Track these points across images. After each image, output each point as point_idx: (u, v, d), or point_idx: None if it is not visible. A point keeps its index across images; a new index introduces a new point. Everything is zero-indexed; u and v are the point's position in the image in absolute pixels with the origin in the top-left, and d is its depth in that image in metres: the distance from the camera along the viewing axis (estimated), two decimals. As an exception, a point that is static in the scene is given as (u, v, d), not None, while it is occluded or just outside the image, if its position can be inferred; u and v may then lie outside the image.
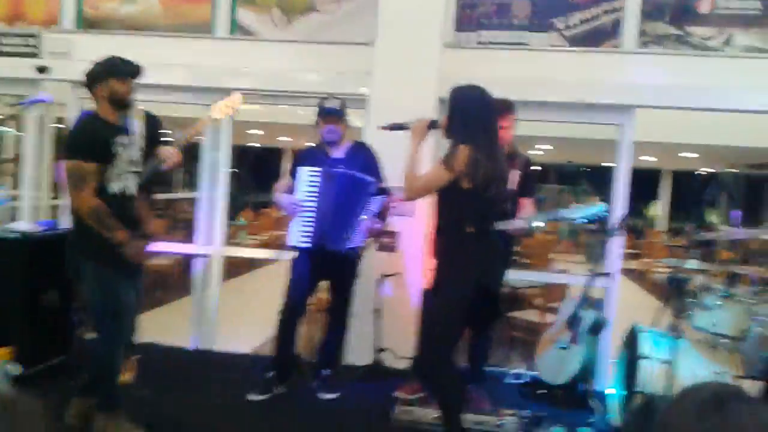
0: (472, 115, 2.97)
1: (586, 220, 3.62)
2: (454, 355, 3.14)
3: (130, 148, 3.09)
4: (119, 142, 3.03)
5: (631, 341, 3.71)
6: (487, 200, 2.97)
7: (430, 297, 3.23)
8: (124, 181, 3.05)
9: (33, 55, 4.98)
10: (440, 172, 2.93)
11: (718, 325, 3.59)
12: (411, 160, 3.03)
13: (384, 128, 3.33)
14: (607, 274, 4.23)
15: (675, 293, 3.53)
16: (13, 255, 3.77)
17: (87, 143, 2.99)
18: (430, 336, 3.04)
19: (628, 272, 11.73)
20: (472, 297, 2.97)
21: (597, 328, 3.85)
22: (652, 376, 3.38)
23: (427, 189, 3.02)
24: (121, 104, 3.08)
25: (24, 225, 4.15)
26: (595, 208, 3.62)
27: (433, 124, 3.10)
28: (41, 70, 4.87)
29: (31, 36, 5.02)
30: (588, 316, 3.84)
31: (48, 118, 5.16)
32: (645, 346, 3.49)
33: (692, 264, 4.23)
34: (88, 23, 5.06)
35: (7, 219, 4.40)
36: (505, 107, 3.61)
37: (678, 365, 3.30)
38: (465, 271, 2.98)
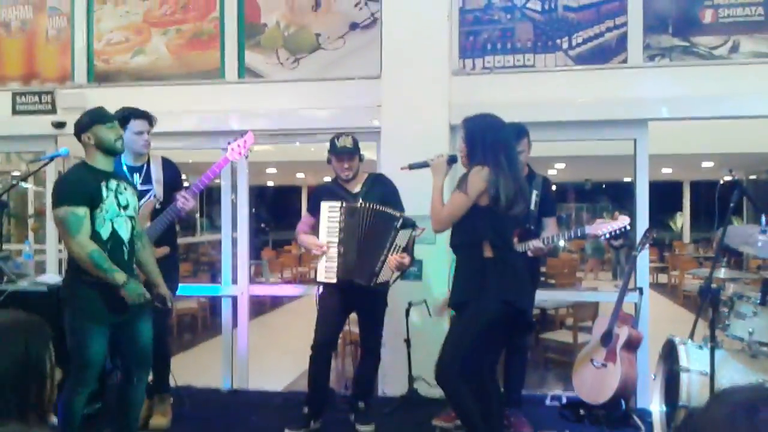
0: (489, 140, 3.05)
1: (610, 236, 3.60)
2: (480, 374, 3.11)
3: (123, 193, 3.13)
4: (108, 187, 3.07)
5: (668, 355, 3.62)
6: (508, 218, 3.04)
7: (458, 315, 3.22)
8: (115, 225, 3.07)
9: (49, 112, 5.09)
10: (460, 198, 3.02)
11: (756, 333, 3.49)
12: (435, 195, 3.12)
13: (405, 169, 3.45)
14: (637, 289, 4.16)
15: (708, 304, 3.45)
16: (40, 307, 3.77)
17: (72, 189, 3.03)
18: (452, 349, 3.04)
19: (657, 286, 11.58)
20: (500, 315, 2.98)
21: (633, 343, 3.77)
22: (693, 390, 3.29)
23: (453, 218, 3.07)
24: (109, 152, 3.12)
25: (50, 278, 4.18)
26: (620, 222, 3.59)
27: (452, 159, 3.21)
28: (58, 125, 4.97)
29: (47, 93, 5.13)
30: (622, 333, 3.76)
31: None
32: (683, 359, 3.40)
33: (723, 273, 4.14)
34: (100, 77, 5.17)
35: (35, 273, 4.44)
36: (517, 132, 3.63)
37: (718, 376, 3.21)
38: (487, 290, 2.98)
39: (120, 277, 3.00)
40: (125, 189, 3.17)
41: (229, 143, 3.74)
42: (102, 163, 3.12)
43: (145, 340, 3.25)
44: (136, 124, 3.65)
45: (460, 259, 3.17)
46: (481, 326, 3.00)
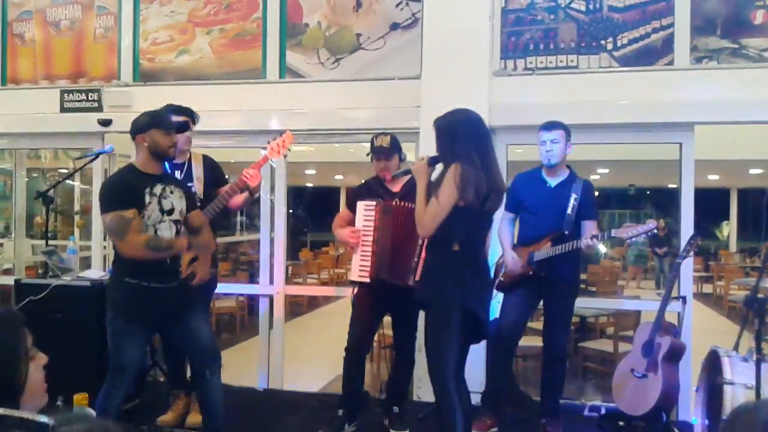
0: (459, 136, 2.98)
1: (635, 239, 3.62)
2: (457, 374, 3.05)
3: (168, 197, 3.13)
4: (152, 192, 3.07)
5: (711, 366, 3.51)
6: (483, 216, 3.02)
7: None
8: (159, 230, 3.09)
9: (96, 110, 5.21)
10: (434, 204, 2.94)
11: (805, 347, 3.36)
12: (419, 198, 3.03)
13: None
14: (680, 298, 4.05)
15: (754, 315, 3.34)
16: (84, 302, 3.90)
17: (117, 194, 3.05)
18: (435, 359, 3.02)
19: (701, 296, 11.28)
20: (457, 320, 2.94)
21: (675, 354, 3.67)
22: (737, 403, 3.17)
23: (436, 221, 2.95)
24: (161, 156, 3.15)
25: (94, 273, 4.27)
26: (646, 226, 3.56)
27: (434, 161, 3.10)
28: (104, 123, 5.08)
29: (94, 91, 5.25)
30: (664, 343, 3.67)
31: (112, 169, 5.36)
32: (727, 371, 3.30)
33: (770, 283, 4.01)
34: (145, 76, 5.27)
35: (79, 268, 4.55)
36: (550, 125, 3.71)
37: (764, 390, 3.10)
38: (449, 291, 2.95)
39: (181, 243, 3.09)
40: (171, 192, 3.16)
41: (268, 142, 3.76)
42: (151, 166, 3.14)
43: (205, 333, 3.26)
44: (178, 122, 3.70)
45: (429, 256, 3.14)
46: (450, 329, 2.95)
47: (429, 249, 3.15)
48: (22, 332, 1.53)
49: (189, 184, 3.78)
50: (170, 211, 3.14)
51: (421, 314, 3.32)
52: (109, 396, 3.14)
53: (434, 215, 2.94)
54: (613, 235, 3.67)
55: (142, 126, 3.12)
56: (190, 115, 3.78)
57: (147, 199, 3.06)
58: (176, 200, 3.18)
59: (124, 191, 3.05)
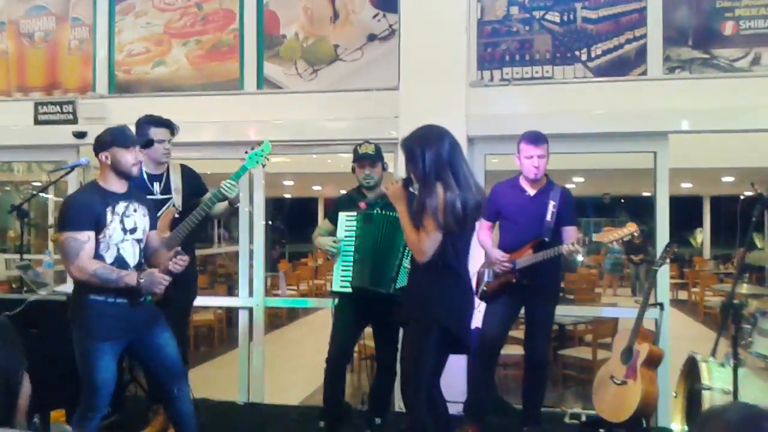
0: (428, 159, 2.91)
1: (617, 245, 3.62)
2: (432, 389, 3.08)
3: (131, 216, 3.05)
4: (114, 211, 2.99)
5: (689, 372, 3.55)
6: (464, 235, 3.00)
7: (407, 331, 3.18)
8: (120, 250, 3.01)
9: (70, 122, 5.14)
10: (431, 233, 2.89)
11: (780, 351, 3.42)
12: (404, 222, 3.00)
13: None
14: (657, 305, 4.10)
15: (730, 321, 3.38)
16: (60, 317, 3.80)
17: (75, 214, 2.94)
18: (410, 372, 3.02)
19: (677, 303, 11.42)
20: (438, 336, 2.94)
21: (653, 360, 3.71)
22: (715, 408, 3.22)
23: (434, 246, 2.91)
24: (124, 174, 3.04)
25: (69, 288, 4.19)
26: (626, 230, 3.58)
27: (407, 182, 3.05)
28: (79, 135, 5.02)
29: (68, 103, 5.19)
30: (643, 349, 3.70)
31: (86, 182, 5.29)
32: (705, 376, 3.33)
33: (745, 289, 4.06)
34: (121, 87, 5.22)
35: (54, 283, 4.47)
36: (535, 138, 3.69)
37: (741, 395, 3.14)
38: (429, 311, 2.96)
39: (131, 278, 2.92)
40: (135, 210, 3.08)
41: (246, 152, 3.75)
42: (114, 184, 3.04)
43: (170, 350, 3.18)
44: (156, 132, 3.65)
45: (411, 274, 3.14)
46: (429, 346, 2.96)
47: (412, 267, 3.14)
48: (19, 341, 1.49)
49: (168, 196, 3.75)
50: (133, 230, 3.06)
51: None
52: (85, 418, 3.04)
53: (433, 242, 2.89)
54: (595, 239, 3.69)
55: (103, 144, 3.01)
56: (169, 126, 3.75)
57: (109, 218, 2.97)
58: (139, 218, 3.10)
59: (84, 211, 2.94)
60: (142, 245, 3.13)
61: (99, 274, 2.90)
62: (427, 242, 2.89)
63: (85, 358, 3.01)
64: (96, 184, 3.08)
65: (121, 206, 3.02)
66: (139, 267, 3.09)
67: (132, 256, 3.07)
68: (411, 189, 3.08)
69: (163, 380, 3.22)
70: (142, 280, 2.94)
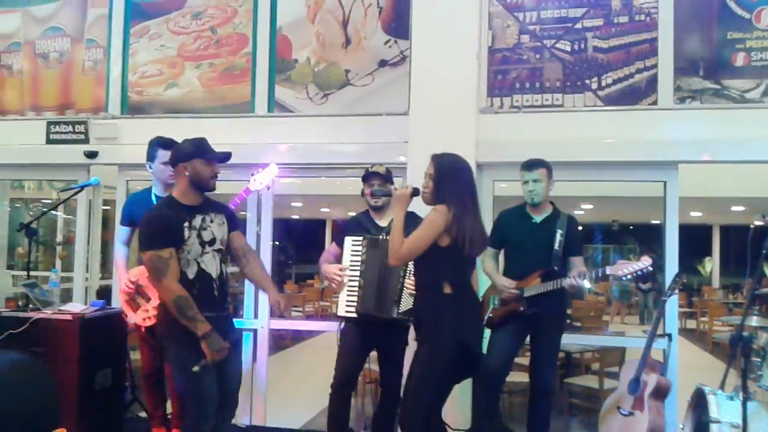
0: (457, 180, 3.03)
1: (631, 278, 3.57)
2: (436, 414, 3.08)
3: (207, 228, 3.02)
4: (191, 226, 2.96)
5: (697, 405, 3.50)
6: (467, 258, 3.07)
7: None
8: (201, 264, 2.97)
9: (82, 141, 5.19)
10: (420, 237, 2.96)
11: (791, 385, 3.37)
12: (396, 225, 3.05)
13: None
14: (666, 335, 4.05)
15: (740, 352, 3.34)
16: (66, 336, 3.82)
17: (155, 233, 2.92)
18: (414, 392, 3.01)
19: (685, 332, 11.31)
20: (455, 354, 2.95)
21: (661, 392, 3.66)
22: (723, 443, 3.16)
23: (412, 254, 3.01)
24: (201, 187, 3.02)
25: (75, 306, 4.20)
26: (641, 263, 3.53)
27: (415, 192, 3.13)
28: (90, 155, 5.06)
29: (80, 123, 5.24)
30: (651, 380, 3.66)
31: (96, 201, 5.33)
32: (713, 409, 3.29)
33: (755, 321, 4.02)
34: (133, 108, 5.28)
35: (61, 301, 4.47)
36: (529, 165, 3.77)
37: (750, 429, 3.09)
38: (443, 330, 2.96)
39: (203, 327, 2.85)
40: (211, 222, 3.05)
41: (252, 174, 3.77)
42: (190, 197, 3.01)
43: (235, 382, 3.14)
44: (165, 154, 3.66)
45: (419, 299, 3.14)
46: (439, 369, 2.97)
47: (419, 292, 3.14)
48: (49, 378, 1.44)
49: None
50: (211, 242, 3.03)
51: (409, 350, 3.29)
52: (193, 428, 2.96)
53: (412, 249, 2.98)
54: (608, 273, 3.64)
55: (185, 154, 2.98)
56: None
57: (186, 233, 2.94)
58: (216, 228, 3.06)
59: (163, 229, 2.91)
60: (222, 255, 3.09)
61: (179, 302, 2.85)
62: (408, 246, 2.97)
63: (185, 372, 2.89)
64: (171, 199, 3.04)
65: (197, 220, 2.99)
66: (221, 278, 3.07)
67: (214, 268, 3.03)
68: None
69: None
70: (204, 342, 2.86)
